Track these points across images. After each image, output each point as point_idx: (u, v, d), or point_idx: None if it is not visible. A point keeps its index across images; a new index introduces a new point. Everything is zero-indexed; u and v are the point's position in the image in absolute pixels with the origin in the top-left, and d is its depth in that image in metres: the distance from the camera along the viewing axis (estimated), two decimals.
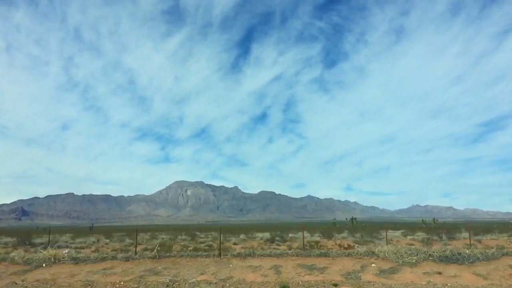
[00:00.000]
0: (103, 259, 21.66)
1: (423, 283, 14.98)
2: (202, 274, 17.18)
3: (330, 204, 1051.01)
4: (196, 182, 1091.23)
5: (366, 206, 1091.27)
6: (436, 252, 20.22)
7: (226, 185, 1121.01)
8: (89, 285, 15.51)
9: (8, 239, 41.33)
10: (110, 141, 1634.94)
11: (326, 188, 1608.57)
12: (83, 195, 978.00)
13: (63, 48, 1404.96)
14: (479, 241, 31.67)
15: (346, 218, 75.66)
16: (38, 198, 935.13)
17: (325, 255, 21.80)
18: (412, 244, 27.80)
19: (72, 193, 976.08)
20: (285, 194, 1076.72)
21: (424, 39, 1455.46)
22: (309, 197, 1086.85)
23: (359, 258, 20.62)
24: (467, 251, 21.02)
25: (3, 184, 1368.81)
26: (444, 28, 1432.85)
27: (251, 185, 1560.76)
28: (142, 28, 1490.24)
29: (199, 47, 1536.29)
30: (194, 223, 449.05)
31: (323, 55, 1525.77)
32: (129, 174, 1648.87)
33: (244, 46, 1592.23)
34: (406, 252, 20.37)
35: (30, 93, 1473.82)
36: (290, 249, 25.66)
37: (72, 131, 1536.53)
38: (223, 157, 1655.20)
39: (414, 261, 18.82)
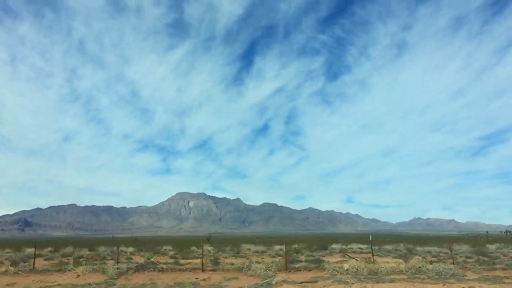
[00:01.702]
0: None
1: None
2: None
3: (332, 216, 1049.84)
4: (198, 193, 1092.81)
5: (368, 219, 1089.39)
6: None
7: (228, 197, 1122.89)
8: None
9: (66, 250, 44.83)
10: (112, 152, 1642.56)
11: (326, 201, 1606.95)
12: (86, 206, 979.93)
13: (66, 60, 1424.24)
14: None
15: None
16: (41, 209, 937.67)
17: None
18: None
19: (75, 204, 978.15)
20: (287, 206, 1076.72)
21: (426, 53, 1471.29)
22: (310, 209, 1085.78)
23: None
24: None
25: (4, 195, 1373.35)
26: (446, 42, 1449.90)
27: (253, 196, 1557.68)
28: (146, 41, 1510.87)
29: (202, 60, 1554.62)
30: (198, 235, 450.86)
31: (325, 68, 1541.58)
32: (131, 185, 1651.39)
33: (246, 59, 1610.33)
34: None
35: (32, 105, 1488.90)
36: None
37: (74, 142, 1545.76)
38: (224, 169, 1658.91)
39: None
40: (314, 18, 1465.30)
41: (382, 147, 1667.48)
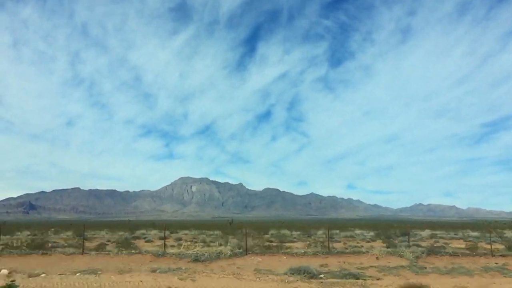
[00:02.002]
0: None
1: None
2: None
3: (333, 202, 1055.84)
4: (201, 178, 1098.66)
5: (369, 204, 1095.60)
6: None
7: (230, 182, 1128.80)
8: None
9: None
10: (114, 137, 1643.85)
11: (328, 186, 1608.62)
12: (89, 190, 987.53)
13: (69, 44, 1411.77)
14: None
15: None
16: (45, 192, 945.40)
17: None
18: None
19: (78, 188, 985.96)
20: (289, 191, 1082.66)
21: (431, 39, 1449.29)
22: (312, 194, 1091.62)
23: None
24: None
25: (8, 178, 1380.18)
26: (451, 28, 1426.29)
27: (256, 182, 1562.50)
28: (149, 25, 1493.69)
29: (205, 45, 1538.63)
30: (201, 219, 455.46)
31: (329, 54, 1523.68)
32: (133, 170, 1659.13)
33: (250, 44, 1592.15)
34: None
35: (35, 89, 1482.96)
36: None
37: (77, 127, 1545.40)
38: (227, 154, 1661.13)
39: None
40: (318, 2, 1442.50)
41: (385, 134, 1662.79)
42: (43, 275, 16.40)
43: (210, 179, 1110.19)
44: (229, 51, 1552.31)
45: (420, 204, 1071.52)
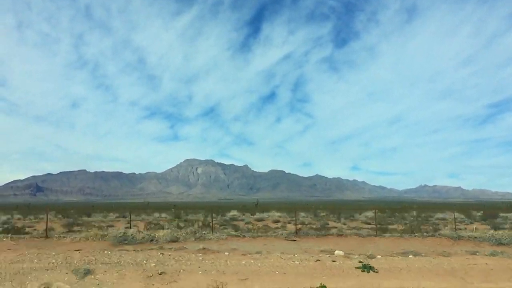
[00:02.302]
0: None
1: None
2: None
3: (339, 183, 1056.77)
4: (206, 160, 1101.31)
5: (374, 186, 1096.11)
6: None
7: (236, 164, 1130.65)
8: None
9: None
10: (119, 119, 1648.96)
11: (333, 168, 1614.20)
12: (95, 172, 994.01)
13: (73, 26, 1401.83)
14: None
15: None
16: (52, 174, 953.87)
17: None
18: None
19: (85, 170, 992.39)
20: (294, 173, 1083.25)
21: (436, 19, 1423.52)
22: (317, 176, 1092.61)
23: None
24: None
25: (14, 160, 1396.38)
26: (457, 7, 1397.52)
27: (261, 163, 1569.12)
28: (152, 6, 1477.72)
29: (209, 26, 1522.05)
30: (207, 201, 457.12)
31: (333, 34, 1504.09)
32: (138, 152, 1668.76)
33: (254, 25, 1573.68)
34: None
35: (40, 71, 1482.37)
36: None
37: (81, 109, 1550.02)
38: (231, 136, 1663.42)
39: None
40: None
41: (389, 115, 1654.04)
42: (378, 256, 15.63)
43: (216, 161, 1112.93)
44: (233, 32, 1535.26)
45: (426, 185, 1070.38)
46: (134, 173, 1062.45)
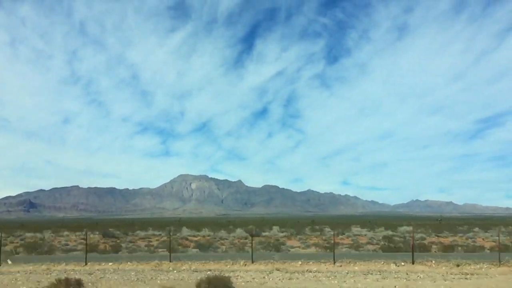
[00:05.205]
0: None
1: None
2: None
3: (332, 198, 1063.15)
4: (200, 175, 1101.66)
5: (367, 201, 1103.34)
6: None
7: (229, 179, 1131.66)
8: None
9: None
10: (111, 135, 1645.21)
11: (324, 183, 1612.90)
12: (89, 188, 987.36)
13: (67, 42, 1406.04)
14: None
15: None
16: (44, 190, 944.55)
17: None
18: None
19: (77, 186, 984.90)
20: (287, 188, 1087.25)
21: (427, 37, 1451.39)
22: (310, 191, 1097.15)
23: None
24: None
25: (5, 177, 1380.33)
26: (447, 25, 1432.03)
27: (254, 179, 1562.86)
28: (147, 23, 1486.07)
29: (203, 42, 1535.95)
30: (203, 216, 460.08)
31: (325, 51, 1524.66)
32: (131, 167, 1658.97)
33: (247, 42, 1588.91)
34: None
35: (32, 86, 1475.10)
36: None
37: (73, 124, 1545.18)
38: (223, 151, 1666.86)
39: None
40: (316, 0, 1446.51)
41: (380, 130, 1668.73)
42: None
43: (209, 176, 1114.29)
44: (227, 49, 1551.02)
45: (417, 200, 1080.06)
46: (128, 189, 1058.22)
